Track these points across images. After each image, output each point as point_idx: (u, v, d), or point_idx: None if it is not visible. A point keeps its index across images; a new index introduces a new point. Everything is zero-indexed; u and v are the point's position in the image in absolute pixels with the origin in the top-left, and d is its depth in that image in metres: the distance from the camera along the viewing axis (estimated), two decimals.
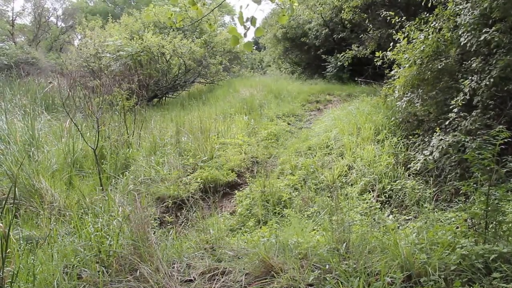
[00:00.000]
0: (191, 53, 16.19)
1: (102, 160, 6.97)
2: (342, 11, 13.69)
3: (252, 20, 4.01)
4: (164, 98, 17.01)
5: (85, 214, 4.79)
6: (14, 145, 7.00)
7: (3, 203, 4.70)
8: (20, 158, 6.36)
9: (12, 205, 4.99)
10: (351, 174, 6.03)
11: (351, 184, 5.83)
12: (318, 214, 4.92)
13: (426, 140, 5.78)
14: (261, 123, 9.86)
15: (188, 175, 6.65)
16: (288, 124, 10.14)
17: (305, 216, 5.07)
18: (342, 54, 13.76)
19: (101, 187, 5.93)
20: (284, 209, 5.38)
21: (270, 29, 20.69)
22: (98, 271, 3.57)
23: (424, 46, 6.07)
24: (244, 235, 4.84)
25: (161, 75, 15.74)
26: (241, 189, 6.44)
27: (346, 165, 6.30)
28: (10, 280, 3.17)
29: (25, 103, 10.93)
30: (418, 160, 5.42)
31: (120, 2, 33.26)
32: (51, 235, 4.14)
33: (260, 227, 4.97)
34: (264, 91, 14.38)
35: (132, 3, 31.89)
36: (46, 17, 33.58)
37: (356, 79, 14.35)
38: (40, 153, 6.94)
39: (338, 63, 15.42)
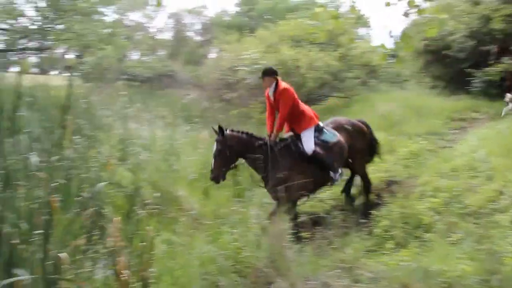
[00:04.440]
0: (327, 67, 16.20)
1: (238, 172, 7.24)
2: (492, 21, 12.69)
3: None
4: None
5: (222, 224, 4.98)
6: (155, 154, 7.58)
7: (148, 208, 5.10)
8: (160, 167, 6.85)
9: (155, 210, 5.39)
10: (501, 200, 5.53)
11: (502, 211, 5.34)
12: (463, 241, 4.60)
13: None
14: (400, 140, 9.52)
15: (323, 192, 6.66)
16: (429, 142, 9.62)
17: (449, 242, 4.77)
18: (490, 68, 12.70)
19: (236, 198, 6.16)
20: (425, 233, 5.13)
21: (409, 41, 19.83)
22: (235, 281, 3.71)
23: None
24: (381, 257, 4.71)
25: (296, 88, 15.98)
26: (378, 209, 6.27)
27: (496, 190, 5.79)
28: (153, 281, 3.45)
29: (165, 114, 11.76)
30: None
31: (255, 15, 34.51)
32: (190, 241, 4.37)
33: (399, 251, 4.80)
34: (402, 106, 13.86)
35: (268, 16, 32.83)
36: (185, 32, 36.20)
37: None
38: (178, 162, 7.41)
39: (486, 77, 14.25)
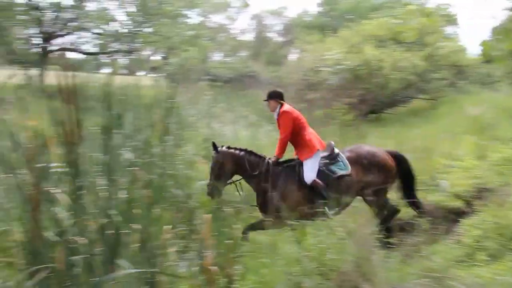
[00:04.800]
0: (412, 67, 15.67)
1: None
2: None
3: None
4: (381, 113, 16.82)
5: (306, 225, 4.96)
6: None
7: (232, 206, 5.17)
8: None
9: (239, 208, 5.48)
10: None
11: None
12: None
13: None
14: (492, 145, 8.96)
15: None
16: None
17: None
18: None
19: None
20: None
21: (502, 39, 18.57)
22: (320, 283, 3.68)
23: None
24: (473, 269, 4.46)
25: (379, 89, 15.61)
26: (467, 217, 5.96)
27: None
28: (238, 278, 3.49)
29: (247, 114, 11.91)
30: None
31: (336, 15, 33.97)
32: (274, 241, 4.39)
33: (493, 263, 4.51)
34: (494, 109, 13.05)
35: (350, 16, 32.12)
36: (267, 33, 36.55)
37: None
38: None
39: None
